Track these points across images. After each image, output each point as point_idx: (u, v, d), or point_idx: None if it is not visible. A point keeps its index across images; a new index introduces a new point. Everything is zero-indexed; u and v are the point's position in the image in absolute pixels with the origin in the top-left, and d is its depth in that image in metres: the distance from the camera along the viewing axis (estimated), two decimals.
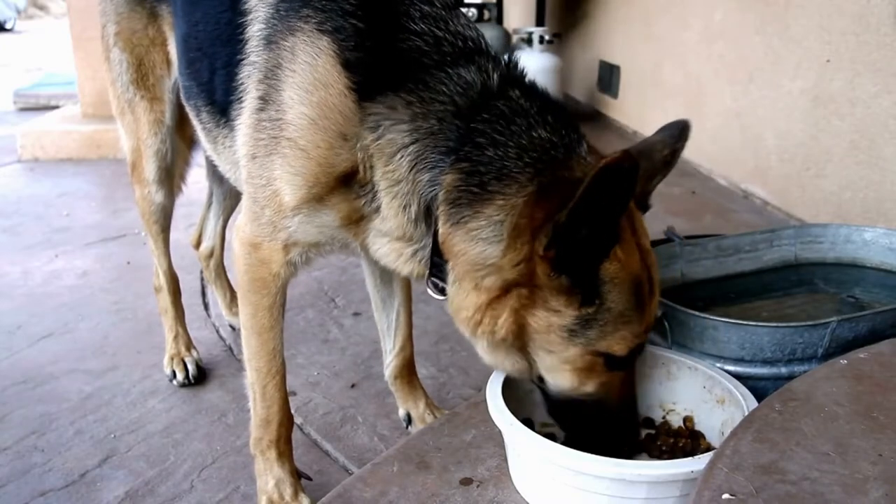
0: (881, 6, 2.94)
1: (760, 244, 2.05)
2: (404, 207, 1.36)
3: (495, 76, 1.35)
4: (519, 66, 1.42)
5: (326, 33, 1.36)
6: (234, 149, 1.61)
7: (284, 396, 1.68)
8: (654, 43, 5.08)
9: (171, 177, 2.22)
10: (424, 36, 1.35)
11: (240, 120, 1.51)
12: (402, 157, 1.33)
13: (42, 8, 20.66)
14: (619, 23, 5.68)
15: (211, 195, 2.64)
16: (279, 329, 1.62)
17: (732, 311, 1.85)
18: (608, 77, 5.86)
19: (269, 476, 1.69)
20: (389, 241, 1.44)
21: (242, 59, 1.50)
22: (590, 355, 1.30)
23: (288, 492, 1.68)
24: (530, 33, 5.90)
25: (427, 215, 1.36)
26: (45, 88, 7.21)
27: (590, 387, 1.35)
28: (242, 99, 1.49)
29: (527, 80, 1.41)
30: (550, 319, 1.28)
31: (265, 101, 1.42)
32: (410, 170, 1.33)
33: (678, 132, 1.45)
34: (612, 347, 1.29)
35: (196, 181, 2.62)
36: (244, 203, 1.54)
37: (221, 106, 1.62)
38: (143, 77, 2.08)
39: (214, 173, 2.53)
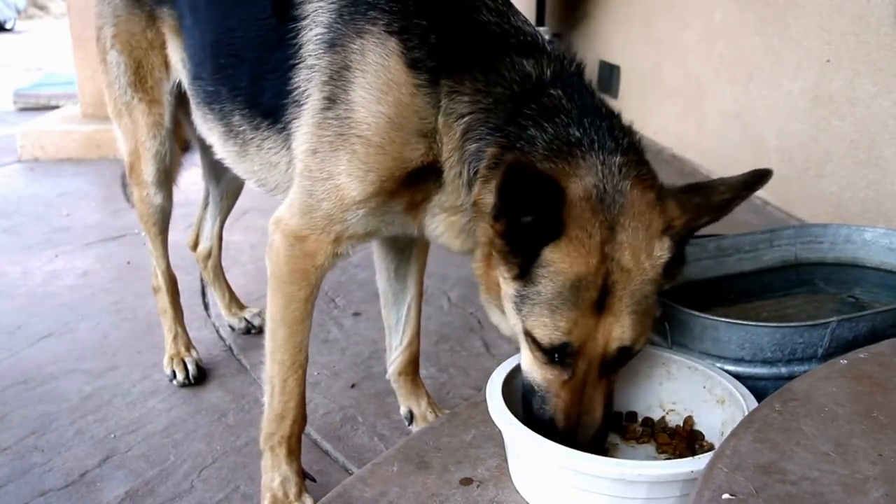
0: (881, 6, 2.94)
1: (760, 244, 2.04)
2: (459, 174, 1.44)
3: (549, 72, 1.43)
4: (574, 62, 1.49)
5: (395, 34, 1.42)
6: (276, 150, 1.65)
7: (303, 392, 1.69)
8: (654, 43, 5.08)
9: (169, 178, 2.22)
10: (493, 25, 1.46)
11: (299, 121, 1.54)
12: (458, 124, 1.42)
13: (42, 8, 20.64)
14: (619, 23, 5.68)
15: (207, 196, 2.64)
16: (309, 323, 1.64)
17: (732, 311, 1.85)
18: (608, 77, 5.85)
19: (275, 473, 1.69)
20: (446, 217, 1.52)
21: (297, 64, 1.53)
22: (525, 334, 1.36)
23: (293, 491, 1.69)
24: None
25: (470, 185, 1.43)
26: (45, 88, 7.20)
27: (536, 376, 1.38)
28: (301, 101, 1.53)
29: (579, 78, 1.47)
30: (504, 286, 1.37)
31: (331, 100, 1.47)
32: (462, 138, 1.42)
33: (751, 180, 1.41)
34: (534, 330, 1.32)
35: (194, 182, 2.62)
36: (292, 196, 1.57)
37: (268, 109, 1.64)
38: (141, 80, 2.08)
39: (211, 174, 2.53)
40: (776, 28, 3.65)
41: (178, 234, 2.91)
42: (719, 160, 4.24)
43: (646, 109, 5.28)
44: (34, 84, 7.67)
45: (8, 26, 16.56)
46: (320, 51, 1.50)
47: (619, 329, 1.30)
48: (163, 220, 2.29)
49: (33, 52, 11.98)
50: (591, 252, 1.28)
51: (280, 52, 1.57)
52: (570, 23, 6.60)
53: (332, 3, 1.51)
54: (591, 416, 1.37)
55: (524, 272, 1.32)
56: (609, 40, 5.89)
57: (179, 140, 2.21)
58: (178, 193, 2.34)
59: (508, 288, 1.36)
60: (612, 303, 1.29)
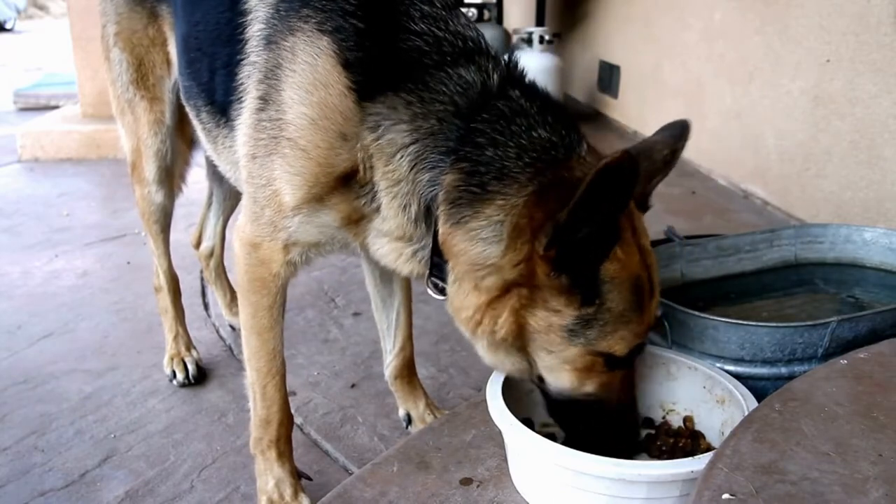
0: (881, 6, 2.94)
1: (760, 244, 2.05)
2: (404, 207, 1.36)
3: (495, 76, 1.36)
4: (519, 66, 1.43)
5: (326, 33, 1.36)
6: (234, 149, 1.61)
7: (284, 396, 1.68)
8: (654, 43, 5.08)
9: (171, 177, 2.22)
10: (424, 36, 1.36)
11: (240, 120, 1.51)
12: (402, 156, 1.33)
13: (42, 8, 20.64)
14: (619, 23, 5.68)
15: (211, 195, 2.64)
16: (279, 329, 1.62)
17: (732, 311, 1.85)
18: (608, 77, 5.86)
19: (269, 476, 1.69)
20: (389, 241, 1.44)
21: (242, 60, 1.50)
22: (590, 355, 1.31)
23: (288, 492, 1.68)
24: (530, 33, 5.90)
25: (427, 215, 1.36)
26: (45, 88, 7.20)
27: (590, 387, 1.35)
28: (242, 99, 1.50)
29: (527, 80, 1.41)
30: (550, 320, 1.28)
31: (265, 101, 1.43)
32: (410, 170, 1.33)
33: (679, 132, 1.44)
34: (613, 348, 1.29)
35: (196, 181, 2.62)
36: (244, 203, 1.55)
37: (221, 106, 1.62)
38: (143, 77, 2.08)
39: (214, 173, 2.53)
40: (776, 28, 3.65)
41: (179, 233, 2.91)
42: (719, 160, 4.25)
43: (646, 109, 5.28)
44: (34, 84, 7.67)
45: (8, 26, 16.56)
46: (259, 48, 1.46)
47: (656, 303, 1.34)
48: (164, 219, 2.29)
49: (33, 52, 11.98)
50: (634, 249, 1.28)
51: (230, 46, 1.54)
52: (570, 23, 6.60)
53: None
54: (633, 391, 1.42)
55: (589, 297, 1.24)
56: (609, 40, 5.89)
57: (186, 137, 2.21)
58: (183, 193, 2.34)
59: (561, 319, 1.27)
60: (653, 287, 1.32)
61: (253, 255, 1.53)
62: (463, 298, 1.35)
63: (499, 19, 7.43)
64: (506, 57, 1.43)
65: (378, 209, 1.40)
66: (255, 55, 1.47)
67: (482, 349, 1.41)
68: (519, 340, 1.34)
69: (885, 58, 2.93)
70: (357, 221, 1.44)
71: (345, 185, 1.39)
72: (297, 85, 1.37)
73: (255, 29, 1.48)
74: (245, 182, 1.52)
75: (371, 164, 1.36)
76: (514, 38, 6.12)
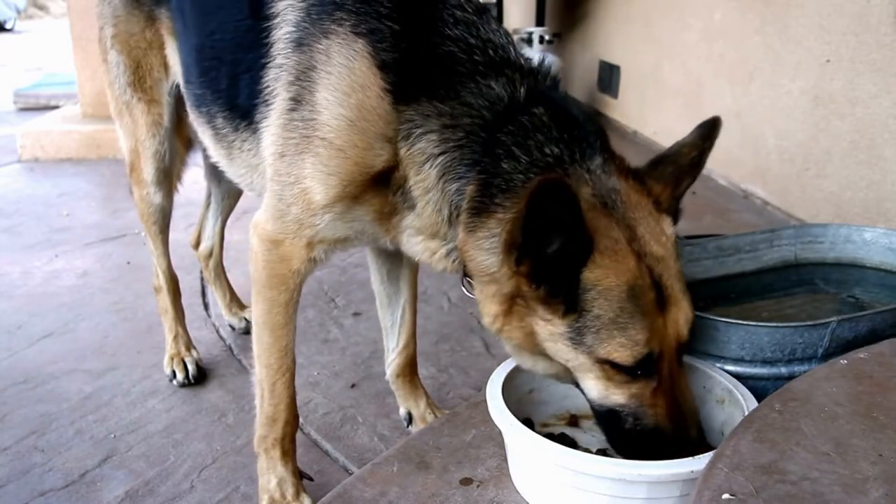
0: (881, 6, 2.94)
1: (760, 244, 2.04)
2: (438, 211, 1.40)
3: (522, 89, 1.38)
4: (549, 74, 1.44)
5: (362, 35, 1.38)
6: (254, 151, 1.63)
7: (292, 395, 1.69)
8: (654, 43, 5.08)
9: (169, 178, 2.23)
10: (459, 42, 1.38)
11: (267, 121, 1.53)
12: (432, 166, 1.37)
13: (42, 8, 20.63)
14: (619, 23, 5.68)
15: (209, 195, 2.64)
16: (293, 326, 1.63)
17: (732, 311, 1.85)
18: (608, 77, 5.85)
19: (271, 475, 1.69)
20: (424, 240, 1.48)
21: (267, 63, 1.52)
22: (598, 363, 1.29)
23: (290, 491, 1.69)
24: (530, 33, 5.90)
25: (451, 221, 1.40)
26: (45, 88, 7.20)
27: (619, 397, 1.32)
28: (269, 101, 1.51)
29: (555, 91, 1.43)
30: (548, 328, 1.30)
31: (297, 101, 1.44)
32: (439, 179, 1.37)
33: (706, 132, 1.42)
34: (612, 355, 1.26)
35: (195, 181, 2.62)
36: (266, 200, 1.56)
37: (244, 109, 1.63)
38: (140, 79, 2.08)
39: (213, 174, 2.53)
40: (776, 28, 3.65)
41: (179, 233, 2.91)
42: (719, 160, 4.23)
43: (646, 109, 5.28)
44: (34, 84, 7.67)
45: (8, 26, 16.54)
46: (288, 50, 1.48)
47: (683, 315, 1.31)
48: (163, 220, 2.30)
49: (33, 52, 11.97)
50: (627, 256, 1.26)
51: (254, 52, 1.56)
52: (570, 23, 6.60)
53: (301, 1, 1.48)
54: (690, 404, 1.35)
55: (571, 305, 1.26)
56: (609, 40, 5.89)
57: (183, 138, 2.21)
58: (179, 193, 2.34)
59: (556, 328, 1.29)
60: (668, 294, 1.29)
61: (273, 251, 1.55)
62: (483, 303, 1.38)
63: (499, 19, 7.42)
64: (536, 62, 1.45)
65: (413, 207, 1.44)
66: (282, 57, 1.48)
67: (511, 353, 1.46)
68: (538, 347, 1.35)
69: (885, 58, 2.93)
70: (389, 216, 1.47)
71: (379, 182, 1.42)
72: (333, 87, 1.39)
73: (283, 32, 1.49)
74: (270, 180, 1.53)
75: (405, 169, 1.40)
76: (514, 39, 6.11)
